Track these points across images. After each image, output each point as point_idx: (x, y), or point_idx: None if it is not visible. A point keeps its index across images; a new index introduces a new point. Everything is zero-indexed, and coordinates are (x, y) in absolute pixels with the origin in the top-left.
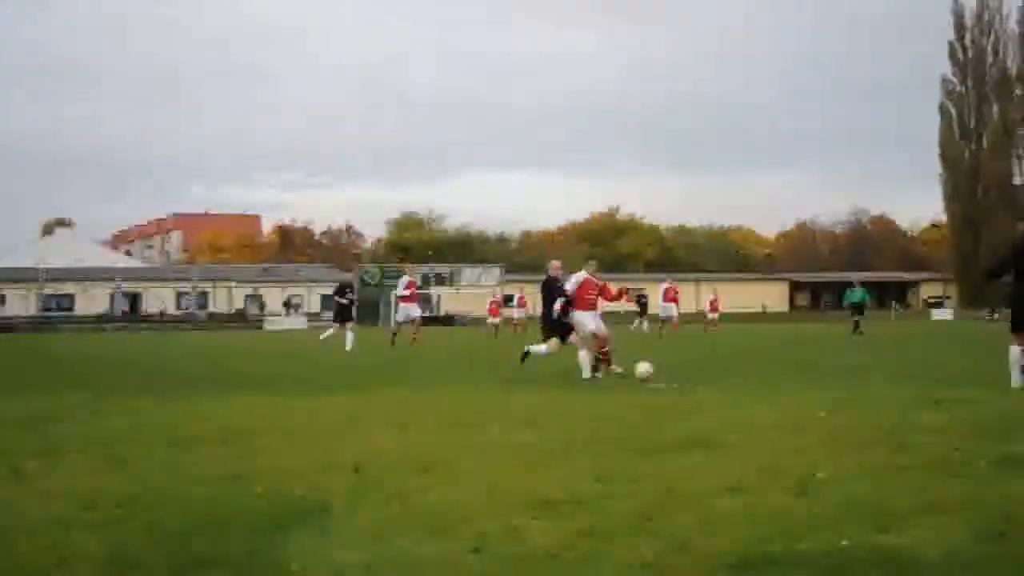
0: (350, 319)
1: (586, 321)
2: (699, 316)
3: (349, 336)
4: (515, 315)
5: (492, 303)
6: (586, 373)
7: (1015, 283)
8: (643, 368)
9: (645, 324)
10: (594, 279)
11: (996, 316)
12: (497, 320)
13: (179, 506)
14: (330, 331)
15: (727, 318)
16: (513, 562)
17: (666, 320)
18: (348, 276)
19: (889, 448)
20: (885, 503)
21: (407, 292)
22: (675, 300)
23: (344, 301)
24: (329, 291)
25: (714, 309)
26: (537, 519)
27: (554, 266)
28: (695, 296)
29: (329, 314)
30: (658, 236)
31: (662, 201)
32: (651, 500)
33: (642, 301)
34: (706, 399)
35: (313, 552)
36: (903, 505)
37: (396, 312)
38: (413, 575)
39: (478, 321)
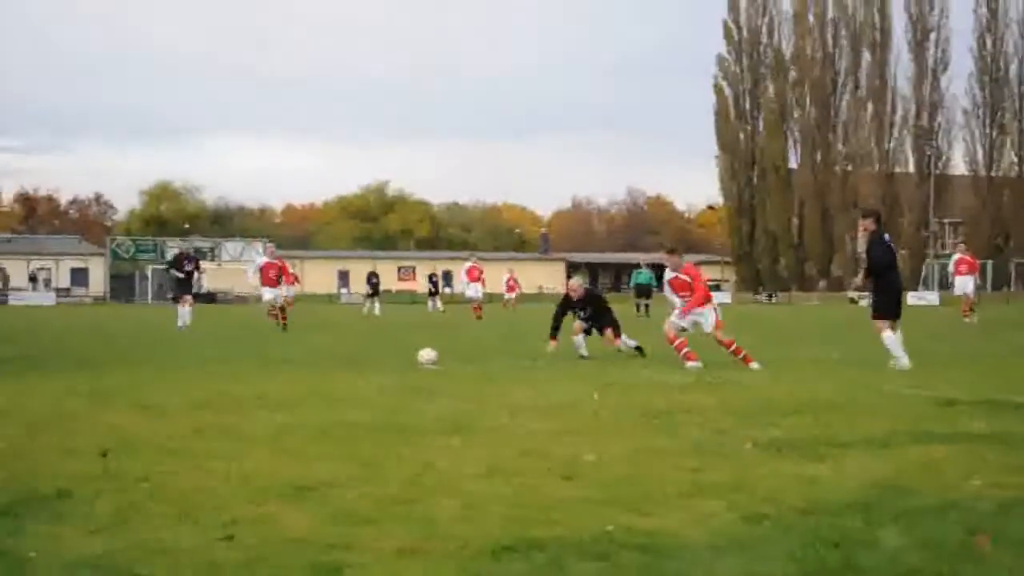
0: (188, 293)
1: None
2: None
3: (185, 311)
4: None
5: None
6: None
7: (884, 277)
8: (426, 355)
9: (439, 303)
10: (679, 275)
11: (774, 299)
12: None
13: None
14: (183, 310)
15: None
16: (265, 548)
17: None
18: (184, 245)
19: (657, 431)
20: (651, 486)
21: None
22: (478, 280)
23: (181, 275)
24: (79, 264)
25: (511, 288)
26: (290, 504)
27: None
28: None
29: (81, 290)
30: (429, 213)
31: (432, 177)
32: (409, 484)
33: (432, 280)
34: (472, 382)
35: (51, 540)
36: (669, 488)
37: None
38: (160, 563)
39: (242, 299)
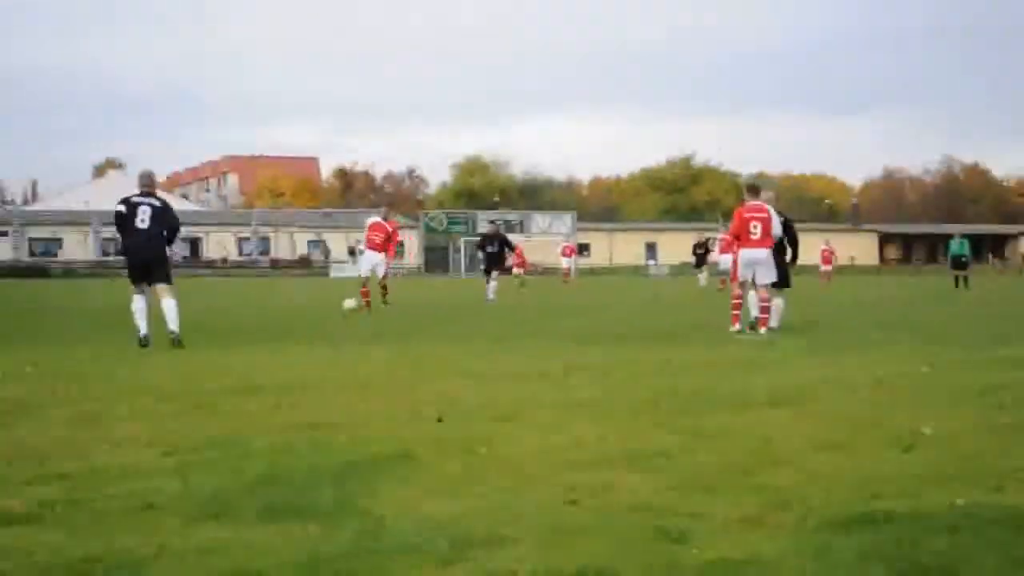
0: (496, 269)
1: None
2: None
3: (491, 286)
4: (563, 264)
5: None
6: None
7: None
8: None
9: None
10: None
11: None
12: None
13: (260, 453)
14: (491, 285)
15: (811, 271)
16: (608, 513)
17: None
18: (491, 227)
19: (995, 407)
20: (997, 461)
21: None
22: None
23: (490, 251)
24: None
25: (827, 261)
26: (630, 471)
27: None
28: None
29: (404, 262)
30: (736, 184)
31: (737, 147)
32: (746, 455)
33: (698, 252)
34: (794, 354)
35: (402, 501)
36: (1018, 464)
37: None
38: (507, 526)
39: (549, 271)
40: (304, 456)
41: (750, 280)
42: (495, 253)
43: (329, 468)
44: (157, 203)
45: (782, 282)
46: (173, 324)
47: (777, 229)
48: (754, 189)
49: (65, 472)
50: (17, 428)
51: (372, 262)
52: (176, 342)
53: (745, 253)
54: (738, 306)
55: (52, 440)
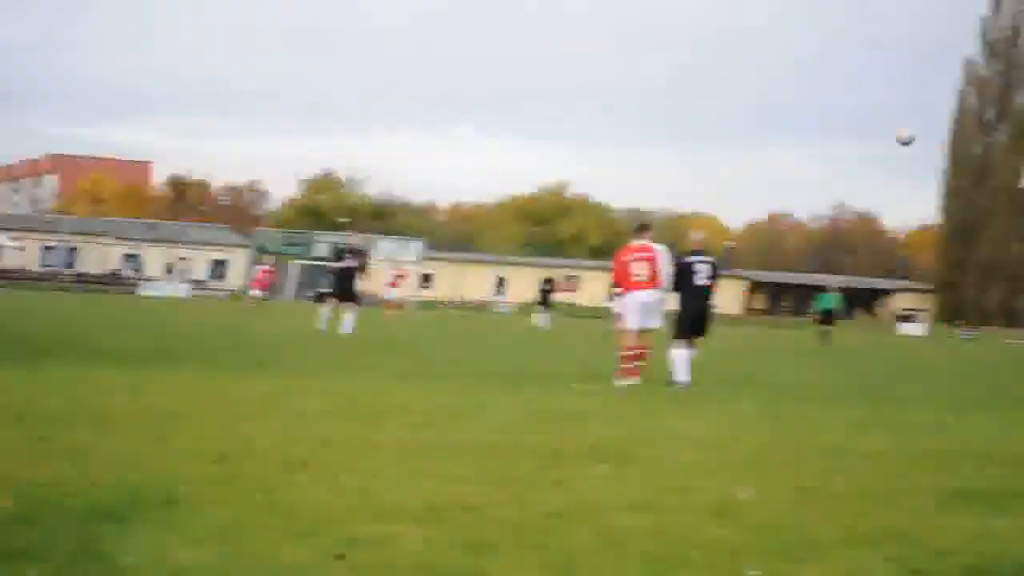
0: (350, 295)
1: None
2: None
3: (348, 316)
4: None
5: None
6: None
7: None
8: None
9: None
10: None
11: (974, 335)
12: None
13: (5, 490)
14: (324, 310)
15: None
16: (379, 572)
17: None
18: (353, 239)
19: (823, 472)
20: (808, 531)
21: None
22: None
23: (344, 267)
24: (222, 255)
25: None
26: (416, 525)
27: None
28: None
29: (218, 283)
30: (608, 219)
31: (620, 180)
32: (547, 512)
33: (544, 289)
34: (625, 407)
35: (152, 548)
36: (827, 535)
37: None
38: None
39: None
40: (53, 494)
41: (642, 325)
42: (349, 270)
43: (78, 509)
44: None
45: (700, 331)
46: None
47: (666, 269)
48: (643, 227)
49: None
50: None
51: None
52: None
53: (634, 296)
54: (631, 358)
55: None
